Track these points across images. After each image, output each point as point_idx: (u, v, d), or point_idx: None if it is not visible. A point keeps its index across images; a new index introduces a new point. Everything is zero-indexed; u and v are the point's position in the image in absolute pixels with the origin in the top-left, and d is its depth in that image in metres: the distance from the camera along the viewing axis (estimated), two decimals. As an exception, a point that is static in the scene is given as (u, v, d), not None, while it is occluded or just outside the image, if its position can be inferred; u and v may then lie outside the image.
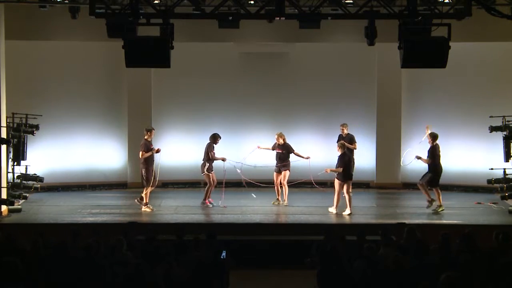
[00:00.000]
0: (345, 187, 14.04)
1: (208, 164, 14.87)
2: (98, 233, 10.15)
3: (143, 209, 14.37)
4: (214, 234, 10.41)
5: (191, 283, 8.63)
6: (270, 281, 11.67)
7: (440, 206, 14.06)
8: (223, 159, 15.12)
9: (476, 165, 16.72)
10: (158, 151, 14.59)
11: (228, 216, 13.87)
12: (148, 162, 14.48)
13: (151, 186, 14.52)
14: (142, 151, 14.44)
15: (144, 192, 14.51)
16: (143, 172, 14.49)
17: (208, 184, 14.96)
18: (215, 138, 15.05)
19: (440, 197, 14.09)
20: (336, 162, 14.20)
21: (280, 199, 15.30)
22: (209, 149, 14.91)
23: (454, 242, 9.75)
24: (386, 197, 16.25)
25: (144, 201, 14.47)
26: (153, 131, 14.79)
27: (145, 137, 14.62)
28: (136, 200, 14.58)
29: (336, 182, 14.10)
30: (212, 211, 14.30)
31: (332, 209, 14.11)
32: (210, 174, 14.90)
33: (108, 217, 13.71)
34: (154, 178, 14.57)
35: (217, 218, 13.58)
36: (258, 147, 15.73)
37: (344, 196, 14.04)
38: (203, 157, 15.03)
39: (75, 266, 8.64)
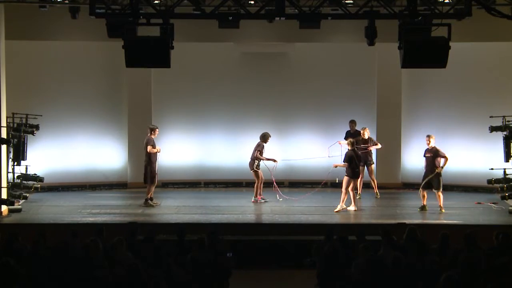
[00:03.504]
0: (351, 184, 14.16)
1: (257, 162, 15.11)
2: (98, 233, 10.14)
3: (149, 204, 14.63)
4: (215, 234, 10.40)
5: (191, 283, 8.63)
6: (270, 281, 11.67)
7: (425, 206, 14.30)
8: (274, 160, 15.28)
9: (476, 165, 16.71)
10: (158, 150, 14.69)
11: (228, 216, 13.87)
12: (153, 159, 14.61)
13: (152, 184, 14.64)
14: (150, 145, 14.60)
15: (148, 193, 14.72)
16: (148, 169, 14.61)
17: (256, 181, 15.20)
18: (265, 138, 15.26)
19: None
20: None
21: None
22: (257, 148, 15.13)
23: (453, 242, 9.74)
24: (386, 197, 16.23)
25: (150, 197, 14.71)
26: (157, 129, 14.87)
27: (149, 135, 14.75)
28: (144, 204, 14.72)
29: (345, 179, 14.23)
30: (212, 211, 14.29)
31: (351, 207, 14.23)
32: (258, 171, 15.15)
33: (108, 217, 13.71)
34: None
35: (217, 218, 13.57)
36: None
37: (349, 192, 14.21)
38: (251, 155, 15.22)
39: (75, 266, 8.64)
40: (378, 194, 15.89)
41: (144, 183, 14.85)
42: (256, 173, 15.19)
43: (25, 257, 8.96)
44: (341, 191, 14.27)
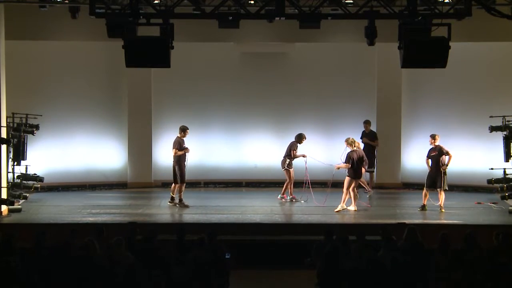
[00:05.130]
0: (353, 184, 14.17)
1: (288, 161, 15.14)
2: (98, 233, 10.14)
3: (173, 205, 14.67)
4: (215, 234, 10.41)
5: (191, 283, 8.63)
6: (270, 281, 11.67)
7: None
8: (304, 156, 15.22)
9: (476, 165, 16.70)
10: (187, 150, 14.69)
11: (228, 216, 13.87)
12: (181, 159, 14.63)
13: (182, 183, 14.65)
14: (175, 148, 14.59)
15: (173, 191, 14.74)
16: (176, 169, 14.61)
17: (287, 180, 15.20)
18: (300, 138, 15.29)
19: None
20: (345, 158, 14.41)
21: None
22: (292, 147, 15.17)
23: (454, 242, 9.75)
24: (386, 197, 16.24)
25: (171, 196, 14.74)
26: (187, 130, 14.85)
27: (179, 135, 14.74)
28: (177, 205, 14.75)
29: (346, 179, 14.22)
30: (212, 211, 14.29)
31: (351, 207, 14.21)
32: (290, 170, 15.17)
33: (108, 217, 13.70)
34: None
35: (217, 218, 13.57)
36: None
37: (350, 192, 14.18)
38: (284, 153, 15.24)
39: (75, 266, 8.64)
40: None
41: (174, 184, 14.78)
42: (288, 172, 15.19)
43: (25, 257, 8.95)
44: (342, 191, 14.26)
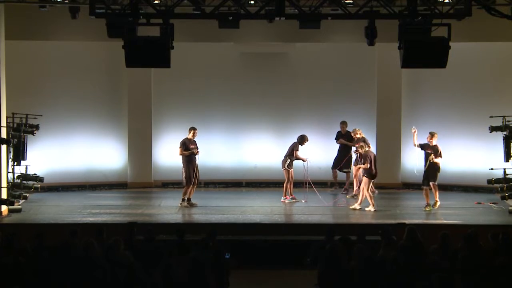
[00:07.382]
0: (367, 184, 14.19)
1: (289, 161, 15.14)
2: (98, 233, 10.14)
3: (183, 205, 14.61)
4: (215, 234, 10.41)
5: (191, 283, 8.63)
6: (270, 281, 11.67)
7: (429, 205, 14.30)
8: (304, 160, 15.22)
9: (476, 165, 16.70)
10: (196, 153, 14.62)
11: (228, 216, 13.87)
12: (188, 160, 14.57)
13: (192, 185, 14.60)
14: (180, 148, 14.56)
15: (184, 192, 14.69)
16: (183, 170, 14.58)
17: (286, 180, 15.19)
18: (302, 140, 15.28)
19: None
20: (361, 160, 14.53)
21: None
22: (294, 148, 15.17)
23: (454, 242, 9.75)
24: (386, 197, 16.23)
25: (187, 198, 14.66)
26: (195, 131, 14.74)
27: (187, 136, 14.71)
28: (180, 204, 14.69)
29: (364, 179, 14.25)
30: (212, 211, 14.29)
31: (356, 205, 14.29)
32: (290, 170, 15.15)
33: (108, 217, 13.71)
34: (195, 176, 14.61)
35: (217, 218, 13.58)
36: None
37: (362, 192, 14.26)
38: (285, 153, 15.24)
39: (75, 266, 8.64)
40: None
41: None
42: (287, 172, 15.17)
43: (24, 257, 8.96)
44: (361, 193, 14.29)
